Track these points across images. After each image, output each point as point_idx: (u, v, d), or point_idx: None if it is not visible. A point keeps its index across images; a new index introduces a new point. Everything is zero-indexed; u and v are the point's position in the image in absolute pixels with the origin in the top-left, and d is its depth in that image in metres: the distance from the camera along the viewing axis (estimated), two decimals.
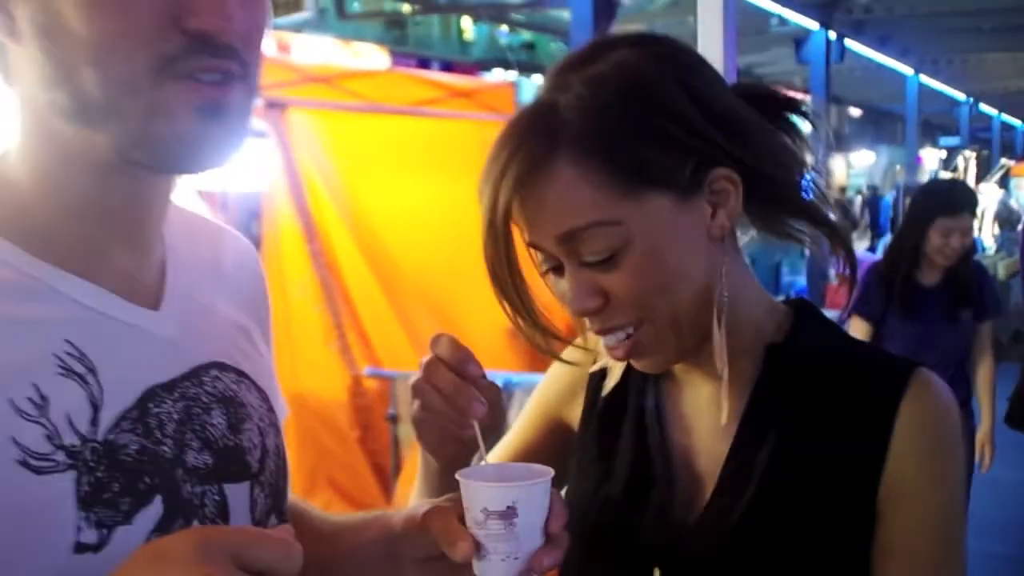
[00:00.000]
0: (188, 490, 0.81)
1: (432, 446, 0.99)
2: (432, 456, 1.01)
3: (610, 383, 1.14)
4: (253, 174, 4.94)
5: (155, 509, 0.78)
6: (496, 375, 3.83)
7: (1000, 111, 25.55)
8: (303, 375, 4.27)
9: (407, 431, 3.98)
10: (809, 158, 1.05)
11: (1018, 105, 25.75)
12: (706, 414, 1.06)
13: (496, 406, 0.96)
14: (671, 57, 0.99)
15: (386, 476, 4.23)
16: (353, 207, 4.59)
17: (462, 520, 0.87)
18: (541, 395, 1.24)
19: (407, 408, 4.17)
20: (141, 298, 0.85)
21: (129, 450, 0.78)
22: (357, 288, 4.45)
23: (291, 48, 8.74)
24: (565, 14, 9.20)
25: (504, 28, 18.25)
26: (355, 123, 4.87)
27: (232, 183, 4.89)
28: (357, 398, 4.32)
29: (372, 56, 10.56)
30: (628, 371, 1.12)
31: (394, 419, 4.04)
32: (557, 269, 1.00)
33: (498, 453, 1.22)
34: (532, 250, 1.01)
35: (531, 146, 0.95)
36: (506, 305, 1.00)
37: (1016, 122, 29.06)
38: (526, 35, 17.84)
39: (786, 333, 1.04)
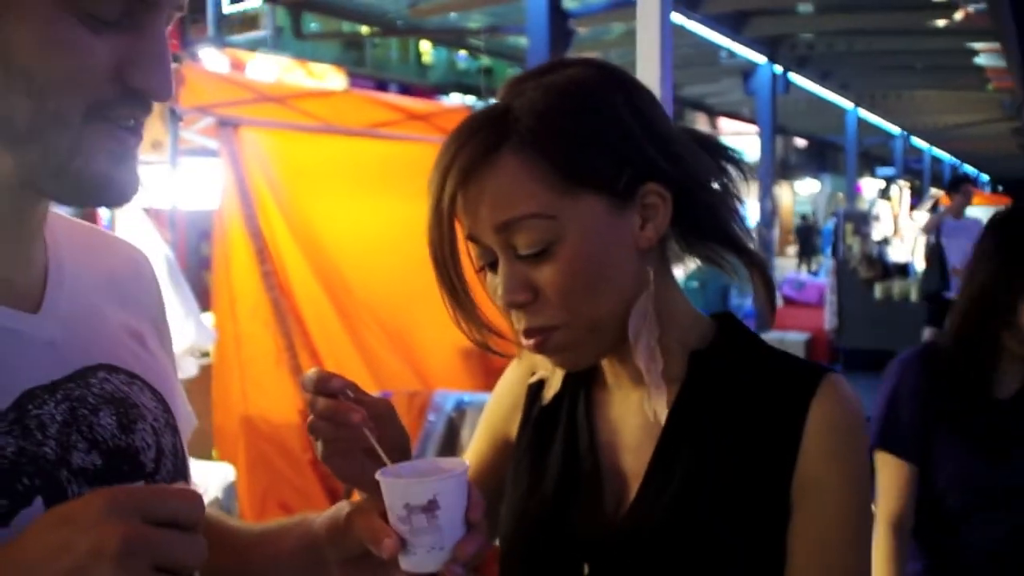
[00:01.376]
0: (74, 491, 0.80)
1: (346, 474, 1.00)
2: (355, 486, 1.03)
3: (548, 393, 1.17)
4: (203, 192, 4.90)
5: (35, 510, 0.76)
6: (450, 395, 3.85)
7: (931, 145, 26.65)
8: (254, 398, 4.22)
9: None
10: (741, 192, 1.13)
11: (947, 140, 26.83)
12: (633, 416, 1.10)
13: (385, 418, 0.99)
14: (621, 78, 1.06)
15: (339, 499, 4.16)
16: (307, 228, 4.56)
17: (385, 519, 0.91)
18: (487, 416, 1.28)
19: None
20: (20, 302, 0.85)
21: (6, 452, 0.77)
22: (310, 309, 4.41)
23: (246, 67, 8.70)
24: (523, 40, 9.28)
25: (463, 53, 18.34)
26: (310, 143, 4.85)
27: (181, 201, 4.84)
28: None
29: (329, 77, 10.53)
30: (566, 382, 1.16)
31: None
32: (493, 265, 1.03)
33: None
34: (471, 245, 1.04)
35: (480, 139, 1.00)
36: (446, 294, 1.04)
37: (945, 155, 30.61)
38: (485, 60, 17.93)
39: (709, 342, 1.10)
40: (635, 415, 1.10)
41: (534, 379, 1.20)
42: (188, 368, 3.93)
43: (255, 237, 4.34)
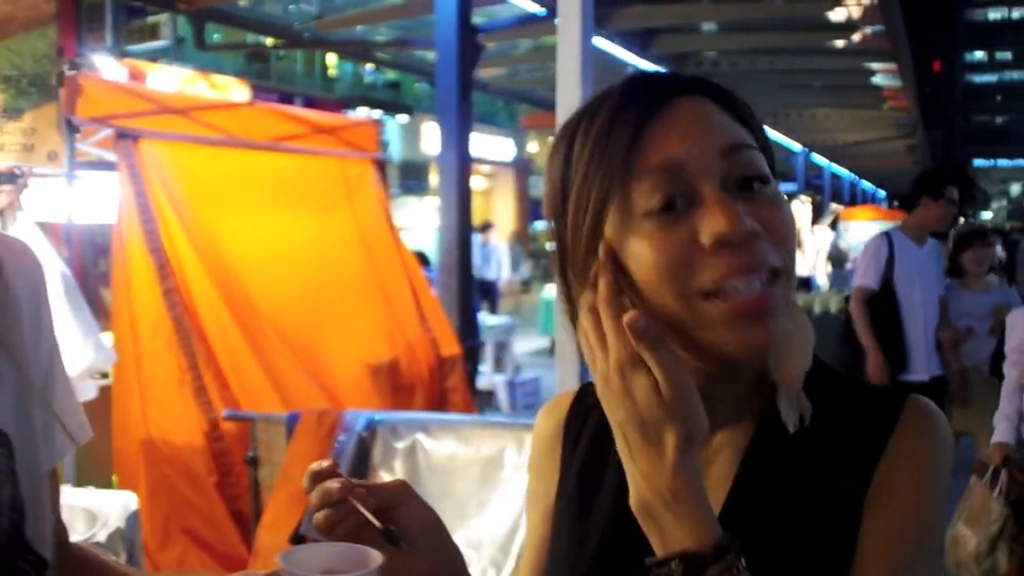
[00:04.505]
0: None
1: None
2: None
3: (589, 423, 1.05)
4: (101, 206, 4.73)
5: None
6: (360, 414, 3.77)
7: (831, 161, 27.58)
8: (155, 419, 4.08)
9: (267, 474, 3.85)
10: None
11: (845, 157, 27.87)
12: (718, 452, 0.97)
13: (404, 497, 0.95)
14: None
15: (246, 522, 4.06)
16: (210, 244, 4.43)
17: None
18: (533, 485, 1.13)
19: (267, 451, 4.02)
20: None
21: None
22: (214, 327, 4.28)
23: (146, 77, 8.47)
24: (430, 55, 9.23)
25: (369, 66, 18.20)
26: (213, 157, 4.73)
27: (78, 215, 4.67)
28: (214, 442, 4.14)
29: (232, 89, 10.33)
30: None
31: (254, 462, 3.88)
32: (671, 206, 0.87)
33: (526, 560, 1.12)
34: (646, 179, 0.88)
35: (666, 82, 0.93)
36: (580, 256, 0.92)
37: (844, 172, 31.76)
38: (391, 74, 17.84)
39: None
40: (716, 465, 0.97)
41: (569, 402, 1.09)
42: (87, 390, 3.76)
43: (156, 253, 4.20)
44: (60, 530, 1.00)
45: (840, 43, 11.91)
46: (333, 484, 0.89)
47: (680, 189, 0.87)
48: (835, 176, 30.71)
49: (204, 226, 4.45)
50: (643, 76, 0.95)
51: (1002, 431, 3.82)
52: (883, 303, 5.02)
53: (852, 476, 0.92)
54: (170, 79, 9.22)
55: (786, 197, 0.95)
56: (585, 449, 1.05)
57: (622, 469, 0.90)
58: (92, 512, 3.01)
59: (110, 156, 4.44)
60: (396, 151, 19.99)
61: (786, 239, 0.88)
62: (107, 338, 4.12)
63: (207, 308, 4.29)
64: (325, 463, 0.91)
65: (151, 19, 10.47)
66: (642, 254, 0.87)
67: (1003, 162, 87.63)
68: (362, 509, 0.88)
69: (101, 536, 2.88)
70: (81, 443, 0.92)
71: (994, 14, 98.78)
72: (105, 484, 3.90)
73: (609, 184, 0.88)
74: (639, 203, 0.87)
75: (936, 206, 4.97)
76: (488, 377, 8.26)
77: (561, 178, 0.93)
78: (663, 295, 0.87)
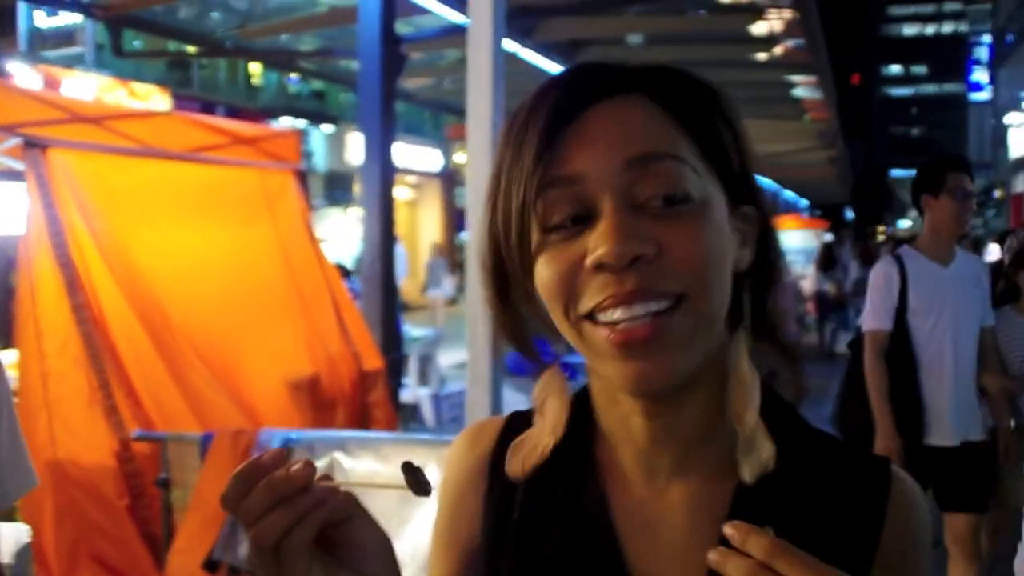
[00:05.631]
0: None
1: None
2: None
3: (528, 462, 0.91)
4: (8, 218, 4.56)
5: None
6: (276, 433, 3.67)
7: (754, 172, 28.32)
8: (63, 440, 3.92)
9: (180, 496, 3.73)
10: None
11: (769, 167, 28.61)
12: (677, 516, 0.89)
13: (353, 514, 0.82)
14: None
15: (158, 545, 3.93)
16: (123, 258, 4.29)
17: None
18: (444, 523, 1.02)
19: (179, 472, 3.90)
20: None
21: None
22: (126, 344, 4.14)
23: (60, 84, 8.24)
24: (355, 65, 9.13)
25: (294, 76, 18.00)
26: (128, 167, 4.58)
27: None
28: (126, 463, 3.99)
29: (153, 98, 10.12)
30: (556, 466, 0.91)
31: (166, 484, 3.76)
32: (578, 221, 0.81)
33: None
34: (549, 195, 0.81)
35: (597, 80, 0.85)
36: (508, 272, 0.87)
37: (768, 182, 32.84)
38: (316, 84, 17.65)
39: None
40: (680, 515, 0.88)
41: (513, 465, 0.91)
42: None
43: (65, 267, 4.04)
44: None
45: (762, 56, 12.07)
46: (294, 468, 0.74)
47: (582, 204, 0.80)
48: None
49: (117, 239, 4.31)
50: (574, 72, 0.86)
51: None
52: (893, 346, 3.96)
53: (843, 561, 0.82)
54: (87, 86, 9.00)
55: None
56: (526, 498, 0.93)
57: (572, 527, 0.85)
58: None
59: (19, 166, 4.28)
60: (321, 162, 19.81)
61: (693, 263, 0.79)
62: (11, 355, 3.97)
63: (119, 324, 4.15)
64: (268, 454, 0.76)
65: (68, 25, 10.22)
66: (540, 273, 0.82)
67: None
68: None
69: None
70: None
71: (909, 29, 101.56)
72: (8, 511, 3.74)
73: (523, 196, 0.82)
74: (546, 217, 0.81)
75: (939, 203, 3.93)
76: (412, 391, 8.17)
77: (492, 182, 0.87)
78: (557, 318, 0.83)
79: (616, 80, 0.84)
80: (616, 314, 0.79)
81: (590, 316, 0.80)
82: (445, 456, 1.02)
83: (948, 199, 3.89)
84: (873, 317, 3.96)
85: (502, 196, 0.84)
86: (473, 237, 2.63)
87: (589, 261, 0.79)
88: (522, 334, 0.91)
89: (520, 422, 0.97)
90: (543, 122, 0.81)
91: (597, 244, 0.78)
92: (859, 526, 0.86)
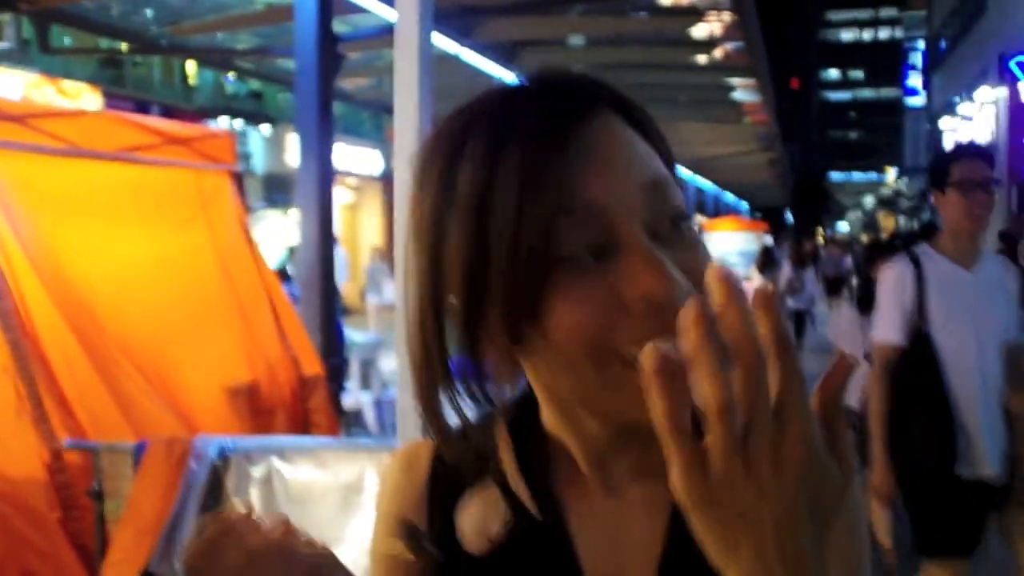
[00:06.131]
0: None
1: None
2: None
3: (492, 535, 0.88)
4: None
5: None
6: (212, 440, 3.58)
7: (695, 174, 28.77)
8: None
9: (113, 507, 3.63)
10: None
11: (708, 170, 29.03)
12: (636, 525, 0.87)
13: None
14: None
15: (92, 559, 3.82)
16: (51, 261, 4.17)
17: None
18: (387, 560, 0.97)
19: (113, 482, 3.78)
20: None
21: None
22: (55, 351, 4.02)
23: None
24: (293, 64, 9.02)
25: (231, 75, 17.77)
26: (55, 168, 4.45)
27: None
28: (57, 474, 3.88)
29: (84, 96, 9.90)
30: (506, 484, 0.88)
31: (99, 495, 3.66)
32: (599, 253, 0.75)
33: None
34: (556, 223, 0.74)
35: (572, 94, 0.79)
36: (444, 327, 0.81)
37: (708, 184, 33.22)
38: (254, 83, 17.44)
39: None
40: (639, 517, 0.86)
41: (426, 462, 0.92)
42: None
43: None
44: None
45: (703, 59, 12.17)
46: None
47: (601, 234, 0.74)
48: (699, 189, 31.67)
49: (45, 242, 4.19)
50: (542, 82, 0.80)
51: None
52: (912, 363, 3.45)
53: None
54: (13, 84, 8.77)
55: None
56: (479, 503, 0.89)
57: (529, 538, 0.83)
58: None
59: None
60: (259, 163, 19.57)
61: (708, 279, 0.75)
62: None
63: (48, 330, 4.03)
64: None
65: None
66: (564, 311, 0.74)
67: (857, 175, 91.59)
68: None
69: None
70: None
71: (847, 35, 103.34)
72: None
73: (517, 224, 0.73)
74: (554, 249, 0.74)
75: (948, 199, 3.44)
76: (354, 396, 8.08)
77: (429, 212, 0.79)
78: (577, 355, 0.75)
79: (590, 95, 0.80)
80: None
81: (631, 358, 0.73)
82: (380, 479, 0.98)
83: (955, 193, 3.42)
84: (882, 327, 3.50)
85: (463, 224, 0.76)
86: (399, 240, 2.55)
87: (636, 300, 0.73)
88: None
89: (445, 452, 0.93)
90: (531, 141, 0.74)
91: (644, 284, 0.72)
92: None
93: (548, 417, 0.88)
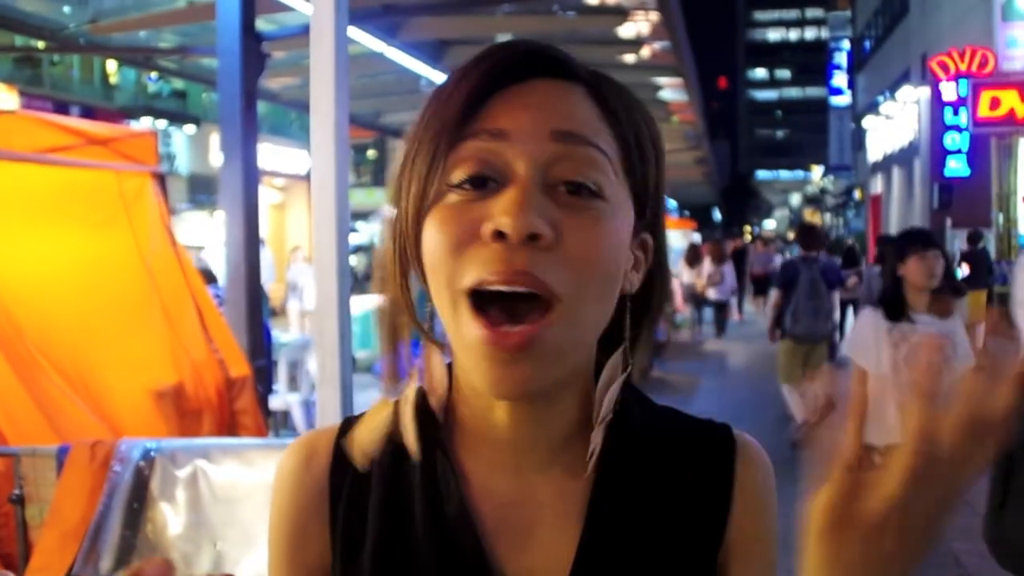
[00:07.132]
0: None
1: None
2: None
3: (376, 481, 0.89)
4: None
5: None
6: (136, 443, 3.54)
7: None
8: None
9: (35, 513, 3.57)
10: None
11: None
12: (546, 504, 0.87)
13: None
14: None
15: (14, 566, 3.75)
16: None
17: None
18: (287, 563, 0.94)
19: (35, 487, 3.73)
20: None
21: None
22: None
23: None
24: (216, 63, 8.92)
25: (153, 74, 17.47)
26: None
27: None
28: None
29: None
30: (406, 467, 0.88)
31: (20, 500, 3.59)
32: (477, 182, 0.78)
33: None
34: (467, 145, 0.78)
35: (547, 57, 0.84)
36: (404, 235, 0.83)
37: None
38: (177, 83, 17.15)
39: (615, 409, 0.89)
40: (547, 510, 0.87)
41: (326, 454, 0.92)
42: None
43: None
44: None
45: (630, 58, 12.27)
46: None
47: (492, 165, 0.77)
48: None
49: None
50: (519, 43, 0.84)
51: None
52: None
53: (700, 532, 0.88)
54: None
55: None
56: (378, 520, 0.88)
57: (434, 536, 0.84)
58: None
59: None
60: (184, 164, 19.28)
61: (585, 263, 0.77)
62: None
63: None
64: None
65: None
66: (430, 236, 0.78)
67: (784, 174, 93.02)
68: None
69: None
70: None
71: (773, 35, 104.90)
72: None
73: (436, 145, 0.78)
74: (451, 173, 0.78)
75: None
76: (282, 397, 8.02)
77: (407, 144, 0.83)
78: (437, 290, 0.78)
79: (562, 64, 0.84)
80: (496, 288, 0.76)
81: (472, 293, 0.76)
82: (276, 473, 0.96)
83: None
84: None
85: (414, 152, 0.81)
86: (316, 236, 2.57)
87: (487, 228, 0.75)
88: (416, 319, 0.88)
89: (346, 441, 0.93)
90: (476, 79, 0.79)
91: (501, 212, 0.75)
92: (711, 492, 0.89)
93: (458, 397, 0.90)
